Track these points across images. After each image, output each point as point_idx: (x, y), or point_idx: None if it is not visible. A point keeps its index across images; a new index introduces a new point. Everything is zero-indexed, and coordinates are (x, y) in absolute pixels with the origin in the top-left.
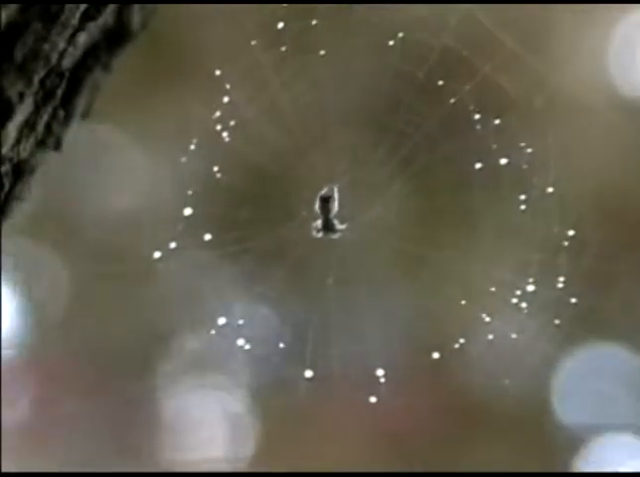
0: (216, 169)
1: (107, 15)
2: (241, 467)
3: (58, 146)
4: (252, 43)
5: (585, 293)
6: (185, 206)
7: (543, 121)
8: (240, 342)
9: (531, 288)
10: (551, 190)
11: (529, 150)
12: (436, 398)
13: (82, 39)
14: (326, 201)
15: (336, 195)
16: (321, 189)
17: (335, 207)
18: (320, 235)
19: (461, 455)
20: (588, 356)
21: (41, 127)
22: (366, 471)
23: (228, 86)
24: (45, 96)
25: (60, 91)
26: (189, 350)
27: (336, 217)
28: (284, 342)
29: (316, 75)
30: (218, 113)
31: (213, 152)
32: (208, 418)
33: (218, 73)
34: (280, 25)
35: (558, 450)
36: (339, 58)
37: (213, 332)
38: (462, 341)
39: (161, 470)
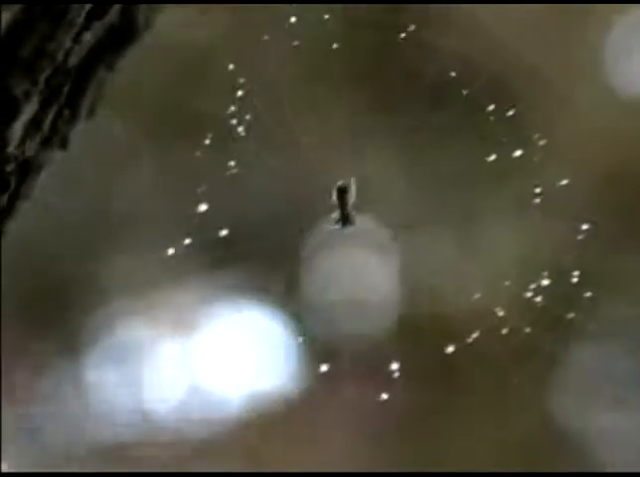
0: (232, 164)
1: (113, 14)
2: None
3: (64, 145)
4: (265, 37)
5: (600, 286)
6: (199, 202)
7: (557, 113)
8: (254, 335)
9: (545, 282)
10: (565, 182)
11: (542, 142)
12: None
13: (88, 38)
14: (343, 192)
15: (353, 186)
16: (335, 182)
17: (352, 198)
18: (337, 227)
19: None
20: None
21: (46, 126)
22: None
23: (241, 81)
24: (50, 95)
25: (65, 90)
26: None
27: (353, 209)
28: (301, 336)
29: (328, 68)
30: (232, 108)
31: (227, 147)
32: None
33: (231, 67)
34: (293, 19)
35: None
36: (351, 51)
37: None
38: (475, 335)
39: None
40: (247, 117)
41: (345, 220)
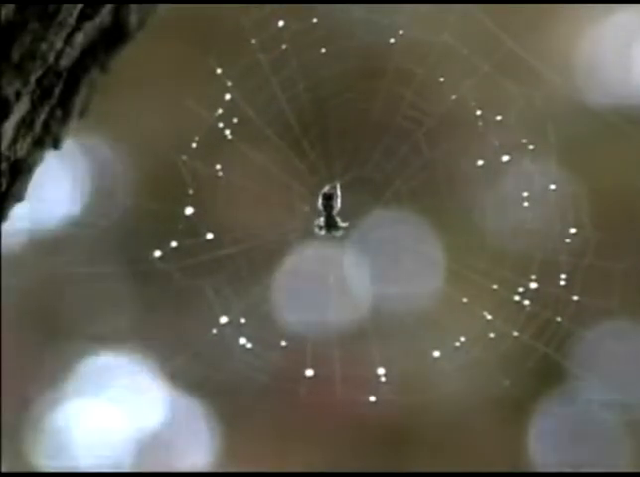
0: (218, 167)
1: (105, 14)
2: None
3: (56, 145)
4: (253, 41)
5: (588, 291)
6: (186, 205)
7: (544, 118)
8: (242, 340)
9: (533, 286)
10: (553, 187)
11: (530, 147)
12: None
13: (80, 38)
14: (329, 198)
15: (339, 192)
16: (322, 187)
17: (338, 204)
18: (322, 232)
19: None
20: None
21: (38, 126)
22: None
23: (229, 84)
24: (42, 96)
25: (57, 91)
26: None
27: (338, 214)
28: (286, 340)
29: (316, 72)
30: (219, 111)
31: (214, 150)
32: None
33: (219, 70)
34: (281, 23)
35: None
36: (339, 55)
37: (214, 331)
38: (463, 339)
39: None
40: (234, 121)
41: (331, 225)
